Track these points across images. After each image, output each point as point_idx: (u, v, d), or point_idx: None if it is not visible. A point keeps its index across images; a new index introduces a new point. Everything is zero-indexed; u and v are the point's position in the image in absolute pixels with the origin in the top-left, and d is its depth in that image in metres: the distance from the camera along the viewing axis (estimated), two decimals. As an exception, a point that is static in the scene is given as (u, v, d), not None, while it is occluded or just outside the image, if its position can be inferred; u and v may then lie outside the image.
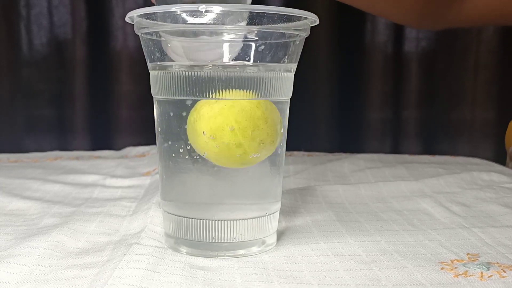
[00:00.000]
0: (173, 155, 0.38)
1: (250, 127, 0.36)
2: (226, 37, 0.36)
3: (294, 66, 0.40)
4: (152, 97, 0.40)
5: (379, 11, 0.74)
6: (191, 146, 0.37)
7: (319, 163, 0.72)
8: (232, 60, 0.37)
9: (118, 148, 0.92)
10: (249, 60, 0.37)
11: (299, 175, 0.66)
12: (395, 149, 1.21)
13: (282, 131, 0.39)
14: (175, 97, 0.37)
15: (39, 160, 0.76)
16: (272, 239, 0.41)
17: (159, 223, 0.44)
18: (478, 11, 0.71)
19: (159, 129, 0.39)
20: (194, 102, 0.37)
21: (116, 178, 0.62)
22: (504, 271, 0.36)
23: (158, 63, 0.38)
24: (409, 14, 0.72)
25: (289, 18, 0.37)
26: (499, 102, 1.21)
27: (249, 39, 0.36)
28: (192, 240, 0.38)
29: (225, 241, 0.38)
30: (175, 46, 0.38)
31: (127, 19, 0.38)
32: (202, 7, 0.35)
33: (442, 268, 0.36)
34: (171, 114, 0.38)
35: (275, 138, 0.38)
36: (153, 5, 0.41)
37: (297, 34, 0.38)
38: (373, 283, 0.34)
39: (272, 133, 0.37)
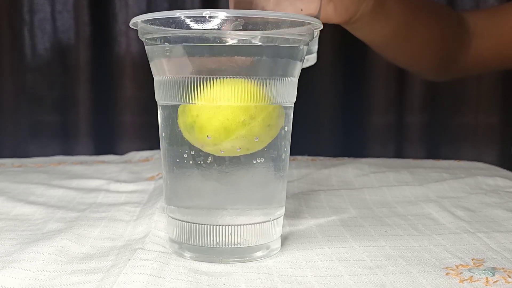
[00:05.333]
0: (177, 160, 0.38)
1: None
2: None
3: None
4: (156, 102, 0.40)
5: (393, 57, 0.75)
6: (195, 151, 0.37)
7: (323, 167, 0.72)
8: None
9: (121, 153, 0.92)
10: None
11: (303, 179, 0.66)
12: (399, 154, 1.21)
13: (284, 134, 0.39)
14: (179, 103, 0.37)
15: (43, 165, 0.76)
16: (276, 244, 0.41)
17: (163, 228, 0.44)
18: (482, 57, 0.73)
19: (163, 134, 0.40)
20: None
21: (120, 183, 0.62)
22: (510, 276, 0.36)
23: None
24: (426, 65, 0.74)
25: (293, 24, 0.37)
26: (503, 107, 1.20)
27: (253, 44, 0.36)
28: (197, 245, 0.38)
29: (230, 246, 0.38)
30: None
31: (131, 24, 0.39)
32: (206, 12, 0.35)
33: (447, 274, 0.36)
34: (175, 119, 0.38)
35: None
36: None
37: (301, 39, 0.38)
38: (378, 288, 0.34)
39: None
